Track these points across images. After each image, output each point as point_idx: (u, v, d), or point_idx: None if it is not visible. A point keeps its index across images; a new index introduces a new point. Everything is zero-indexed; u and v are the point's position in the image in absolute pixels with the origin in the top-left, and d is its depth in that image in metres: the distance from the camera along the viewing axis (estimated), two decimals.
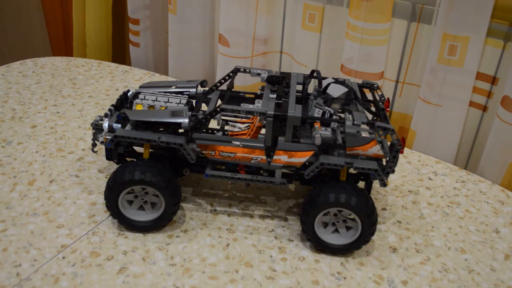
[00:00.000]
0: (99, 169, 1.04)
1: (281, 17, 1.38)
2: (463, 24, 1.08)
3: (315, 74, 0.92)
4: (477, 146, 1.23)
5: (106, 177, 1.02)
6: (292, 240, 0.89)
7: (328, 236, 0.85)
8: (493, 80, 1.16)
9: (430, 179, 1.11)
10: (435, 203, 1.02)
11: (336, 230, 0.86)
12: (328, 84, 0.89)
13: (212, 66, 1.57)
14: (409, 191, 1.06)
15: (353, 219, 0.84)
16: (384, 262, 0.86)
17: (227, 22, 1.37)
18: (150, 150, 0.92)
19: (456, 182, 1.10)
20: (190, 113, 0.87)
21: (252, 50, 1.40)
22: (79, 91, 1.36)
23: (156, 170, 0.84)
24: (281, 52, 1.43)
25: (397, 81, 1.29)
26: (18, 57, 1.59)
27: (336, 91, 0.87)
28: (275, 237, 0.90)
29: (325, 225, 0.86)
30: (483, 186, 1.09)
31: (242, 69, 0.99)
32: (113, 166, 1.05)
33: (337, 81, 0.91)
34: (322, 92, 0.88)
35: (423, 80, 1.19)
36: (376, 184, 1.05)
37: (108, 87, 1.39)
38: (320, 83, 0.89)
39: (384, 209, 0.99)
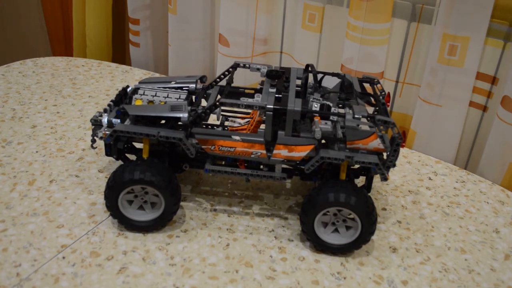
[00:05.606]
0: (99, 169, 1.04)
1: (281, 17, 1.38)
2: (463, 24, 1.08)
3: (310, 69, 0.92)
4: (477, 146, 1.23)
5: (106, 177, 1.01)
6: (292, 240, 0.89)
7: (328, 236, 0.85)
8: (493, 80, 1.16)
9: (430, 179, 1.10)
10: (435, 203, 1.02)
11: (336, 230, 0.86)
12: (322, 77, 0.89)
13: (212, 66, 1.57)
14: (409, 191, 1.06)
15: (352, 219, 0.84)
16: (384, 262, 0.86)
17: (227, 22, 1.37)
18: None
19: (456, 182, 1.10)
20: (189, 107, 0.87)
21: (252, 50, 1.40)
22: (79, 91, 1.36)
23: (156, 170, 0.84)
24: (281, 52, 1.43)
25: (397, 81, 1.29)
26: (18, 57, 1.59)
27: (330, 83, 0.88)
28: (275, 237, 0.90)
29: (325, 225, 0.86)
30: (483, 186, 1.09)
31: (241, 64, 0.98)
32: (113, 166, 1.05)
33: (338, 75, 0.91)
34: (318, 86, 0.88)
35: (423, 80, 1.19)
36: (376, 184, 1.05)
37: (108, 87, 1.39)
38: (315, 78, 0.89)
39: (384, 209, 0.99)
